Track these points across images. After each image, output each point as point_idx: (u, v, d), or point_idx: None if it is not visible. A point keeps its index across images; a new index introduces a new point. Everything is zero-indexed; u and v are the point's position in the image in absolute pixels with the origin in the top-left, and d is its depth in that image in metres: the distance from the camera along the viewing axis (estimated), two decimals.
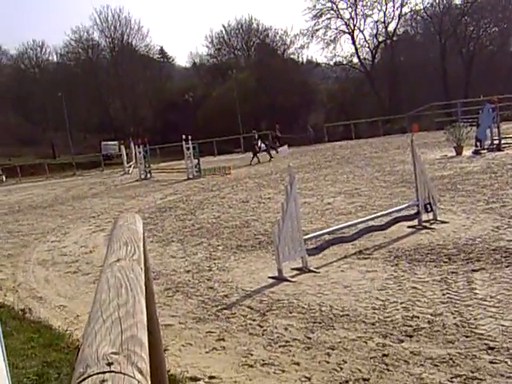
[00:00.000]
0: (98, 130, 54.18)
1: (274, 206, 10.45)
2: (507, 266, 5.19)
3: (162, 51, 61.58)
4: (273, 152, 24.32)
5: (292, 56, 55.39)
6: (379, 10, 51.85)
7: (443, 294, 4.70)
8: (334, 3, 51.85)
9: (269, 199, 12.03)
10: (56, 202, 18.03)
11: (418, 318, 4.28)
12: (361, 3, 51.73)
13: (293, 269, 6.08)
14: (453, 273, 5.24)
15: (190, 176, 20.65)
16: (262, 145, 24.45)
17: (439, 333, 3.94)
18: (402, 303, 4.64)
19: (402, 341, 3.92)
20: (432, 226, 7.29)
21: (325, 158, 21.57)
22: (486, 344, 3.65)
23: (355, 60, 53.30)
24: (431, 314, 4.30)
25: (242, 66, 55.33)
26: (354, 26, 52.42)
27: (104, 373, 0.69)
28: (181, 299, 5.69)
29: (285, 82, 47.49)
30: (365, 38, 53.25)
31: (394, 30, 51.93)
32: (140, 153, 24.71)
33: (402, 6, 50.72)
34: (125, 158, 30.90)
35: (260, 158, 23.60)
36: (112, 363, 0.71)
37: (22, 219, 14.41)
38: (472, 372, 3.34)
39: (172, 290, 6.03)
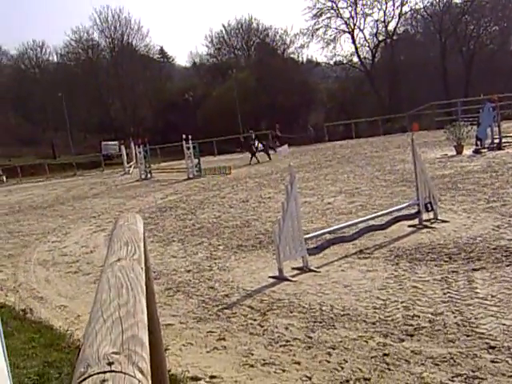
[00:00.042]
0: (98, 130, 54.23)
1: (275, 206, 10.45)
2: (508, 265, 5.18)
3: (161, 51, 61.68)
4: (272, 152, 24.22)
5: (292, 55, 55.50)
6: (379, 9, 51.93)
7: (444, 294, 4.70)
8: (334, 2, 51.94)
9: (269, 199, 12.02)
10: (56, 202, 18.03)
11: (419, 317, 4.28)
12: (361, 2, 51.84)
13: (293, 268, 6.08)
14: (453, 272, 5.24)
15: (191, 176, 20.65)
16: (260, 145, 24.34)
17: (440, 332, 3.94)
18: (402, 302, 4.64)
19: (402, 340, 3.92)
20: (432, 225, 7.28)
21: (325, 158, 21.56)
22: (486, 343, 3.65)
23: (355, 59, 53.39)
24: (432, 314, 4.30)
25: (242, 65, 55.36)
26: (354, 25, 52.49)
27: (105, 372, 0.70)
28: (181, 299, 5.69)
29: (285, 82, 47.51)
30: (365, 37, 53.35)
31: (394, 28, 51.99)
32: (140, 153, 24.71)
33: (402, 4, 50.83)
34: (125, 158, 30.91)
35: (259, 158, 23.54)
36: (113, 363, 0.72)
37: (22, 219, 14.41)
38: (473, 371, 3.33)
39: (173, 290, 6.03)
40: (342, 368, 3.64)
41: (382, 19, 51.52)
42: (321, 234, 6.84)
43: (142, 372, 0.73)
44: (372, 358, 3.71)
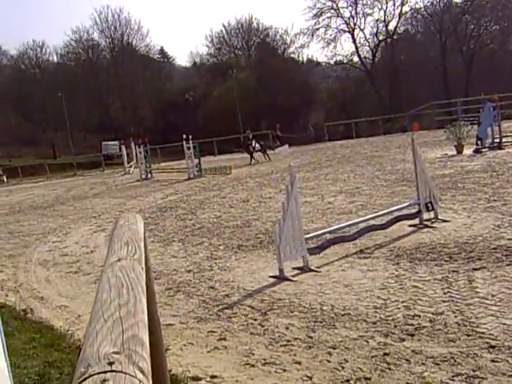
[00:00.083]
0: (98, 130, 54.27)
1: (275, 206, 10.44)
2: (508, 265, 5.18)
3: (162, 51, 61.71)
4: (271, 152, 24.12)
5: (292, 55, 55.52)
6: (379, 9, 51.93)
7: (444, 293, 4.70)
8: (334, 2, 51.95)
9: (270, 198, 12.02)
10: (57, 202, 18.04)
11: (420, 316, 4.28)
12: (361, 2, 51.85)
13: (294, 268, 6.07)
14: (454, 271, 5.24)
15: (191, 176, 20.65)
16: (257, 145, 24.25)
17: (440, 331, 3.94)
18: (403, 302, 4.64)
19: (403, 340, 3.92)
20: (433, 225, 7.28)
21: (325, 157, 21.55)
22: (487, 343, 3.65)
23: (355, 59, 53.41)
24: (432, 313, 4.30)
25: (243, 65, 55.38)
26: (355, 24, 52.49)
27: (105, 372, 0.70)
28: (182, 299, 5.69)
29: (285, 82, 47.52)
30: (365, 37, 53.35)
31: (395, 28, 51.99)
32: (140, 153, 24.72)
33: (402, 4, 50.83)
34: (125, 158, 30.92)
35: (258, 158, 23.49)
36: (113, 363, 0.72)
37: (22, 219, 14.42)
38: (473, 371, 3.33)
39: (173, 290, 6.03)
40: (343, 368, 3.64)
41: (383, 19, 51.61)
42: (321, 233, 6.83)
43: (142, 372, 0.73)
44: (373, 357, 3.71)
